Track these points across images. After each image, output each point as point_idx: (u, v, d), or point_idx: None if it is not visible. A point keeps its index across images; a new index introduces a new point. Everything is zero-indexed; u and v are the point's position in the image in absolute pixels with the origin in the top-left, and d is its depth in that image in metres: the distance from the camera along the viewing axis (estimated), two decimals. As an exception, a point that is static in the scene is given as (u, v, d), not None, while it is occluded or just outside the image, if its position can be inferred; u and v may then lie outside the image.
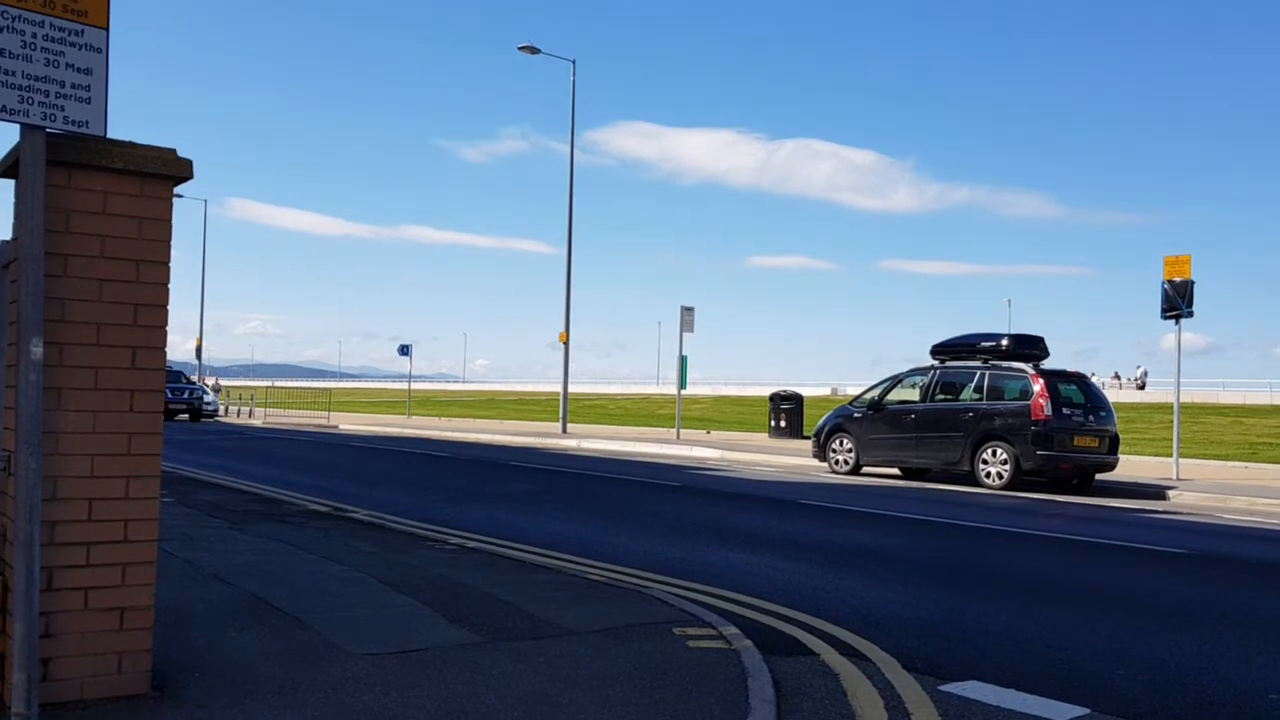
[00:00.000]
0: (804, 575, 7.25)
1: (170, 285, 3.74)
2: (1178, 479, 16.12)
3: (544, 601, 5.66)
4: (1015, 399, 15.44)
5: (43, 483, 3.42)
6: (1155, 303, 16.71)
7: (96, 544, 3.58)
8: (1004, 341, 16.32)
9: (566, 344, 30.08)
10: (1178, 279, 16.45)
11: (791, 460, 19.56)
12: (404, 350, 40.20)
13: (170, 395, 32.82)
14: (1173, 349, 17.37)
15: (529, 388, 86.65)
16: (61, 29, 3.45)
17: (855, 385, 44.92)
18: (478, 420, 39.55)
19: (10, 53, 3.35)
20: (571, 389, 32.42)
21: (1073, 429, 15.03)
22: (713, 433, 30.33)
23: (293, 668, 4.22)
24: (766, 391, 35.97)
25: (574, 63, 29.80)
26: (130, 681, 3.67)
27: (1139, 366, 63.04)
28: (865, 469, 17.26)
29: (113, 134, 3.57)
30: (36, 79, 3.39)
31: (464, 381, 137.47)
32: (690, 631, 5.09)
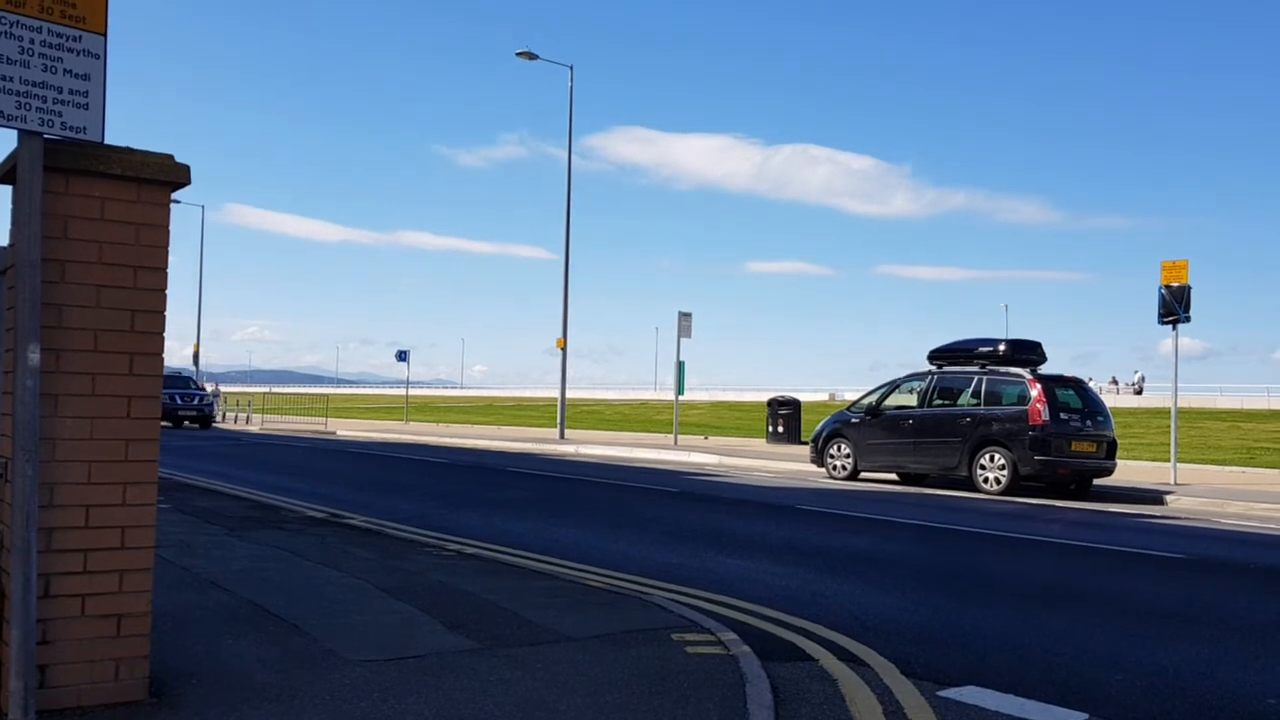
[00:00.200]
0: (802, 581, 7.24)
1: (168, 291, 3.74)
2: (1175, 484, 16.13)
3: (542, 608, 5.65)
4: (1013, 404, 15.45)
5: (40, 489, 3.42)
6: (1153, 308, 16.74)
7: (94, 551, 3.57)
8: (1001, 347, 16.34)
9: (564, 349, 30.08)
10: (1175, 284, 16.47)
11: (789, 465, 19.56)
12: (402, 356, 40.19)
13: (179, 401, 32.01)
14: (1170, 354, 17.42)
15: (527, 393, 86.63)
16: (59, 35, 3.45)
17: (853, 390, 44.98)
18: (475, 426, 39.54)
19: (8, 58, 3.35)
20: (569, 394, 32.41)
21: (1070, 434, 15.04)
22: (710, 438, 30.33)
23: (290, 674, 4.21)
24: (764, 397, 35.99)
25: (572, 68, 29.86)
26: (127, 688, 3.66)
27: (1136, 371, 63.20)
28: (863, 474, 17.27)
29: (110, 140, 3.58)
30: (34, 85, 3.39)
31: (462, 387, 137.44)
32: (689, 637, 5.09)
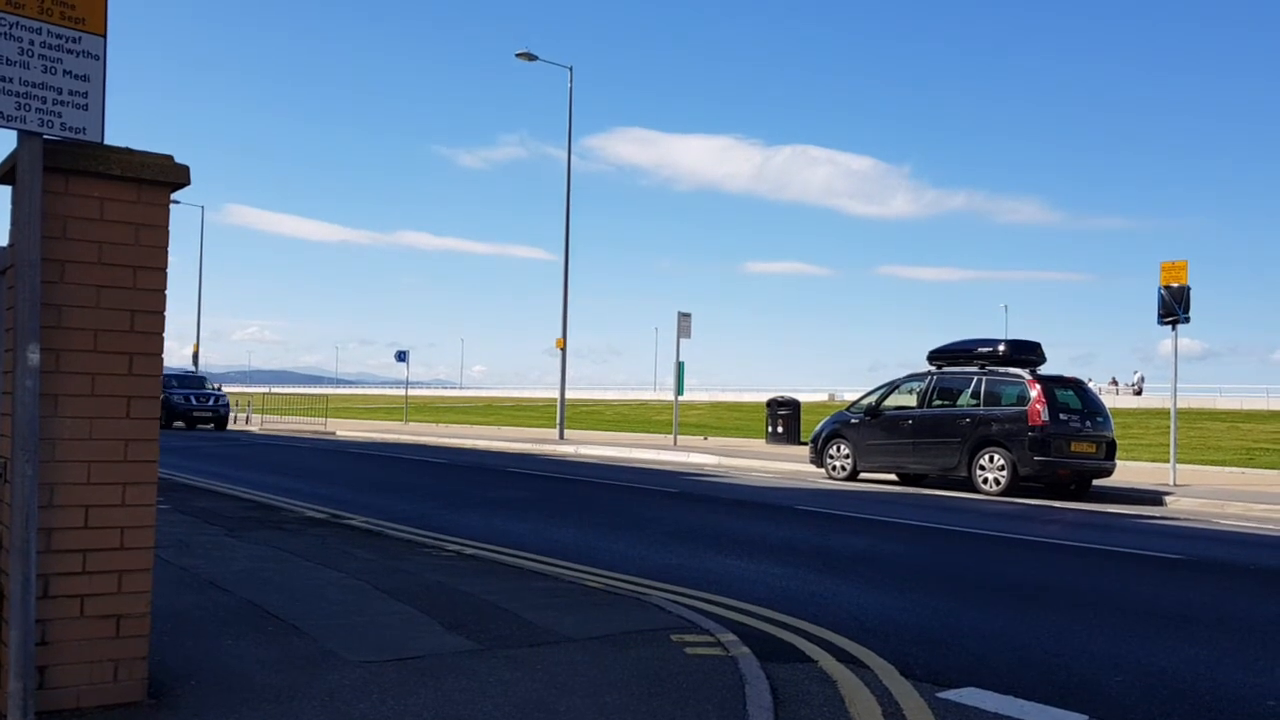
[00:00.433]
0: (801, 581, 7.24)
1: (167, 291, 3.74)
2: (1175, 484, 16.13)
3: (541, 608, 5.65)
4: (1012, 404, 15.46)
5: (39, 489, 3.42)
6: (1152, 308, 16.76)
7: (93, 551, 3.57)
8: (1001, 347, 16.34)
9: (564, 350, 30.08)
10: (1174, 284, 16.48)
11: (788, 466, 19.56)
12: (401, 356, 40.19)
13: (194, 402, 31.01)
14: (1169, 355, 17.44)
15: (526, 394, 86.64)
16: (59, 36, 3.45)
17: (852, 391, 44.99)
18: (475, 426, 39.54)
19: (7, 59, 3.35)
20: (569, 395, 32.40)
21: (1070, 434, 15.05)
22: (710, 439, 30.33)
23: (289, 675, 4.21)
24: (763, 397, 36.00)
25: (571, 69, 29.85)
26: (126, 689, 3.65)
27: (1136, 372, 63.22)
28: (862, 475, 17.27)
29: (110, 141, 3.58)
30: (34, 85, 3.39)
31: (461, 387, 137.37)
32: (688, 638, 5.09)
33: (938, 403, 16.48)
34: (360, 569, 6.74)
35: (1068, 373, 17.10)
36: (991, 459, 15.24)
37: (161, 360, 3.76)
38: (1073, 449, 15.04)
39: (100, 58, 3.54)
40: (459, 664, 4.49)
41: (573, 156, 30.47)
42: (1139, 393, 56.26)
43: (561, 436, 28.47)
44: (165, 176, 3.68)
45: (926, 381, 16.74)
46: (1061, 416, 15.08)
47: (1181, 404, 21.60)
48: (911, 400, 16.92)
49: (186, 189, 3.76)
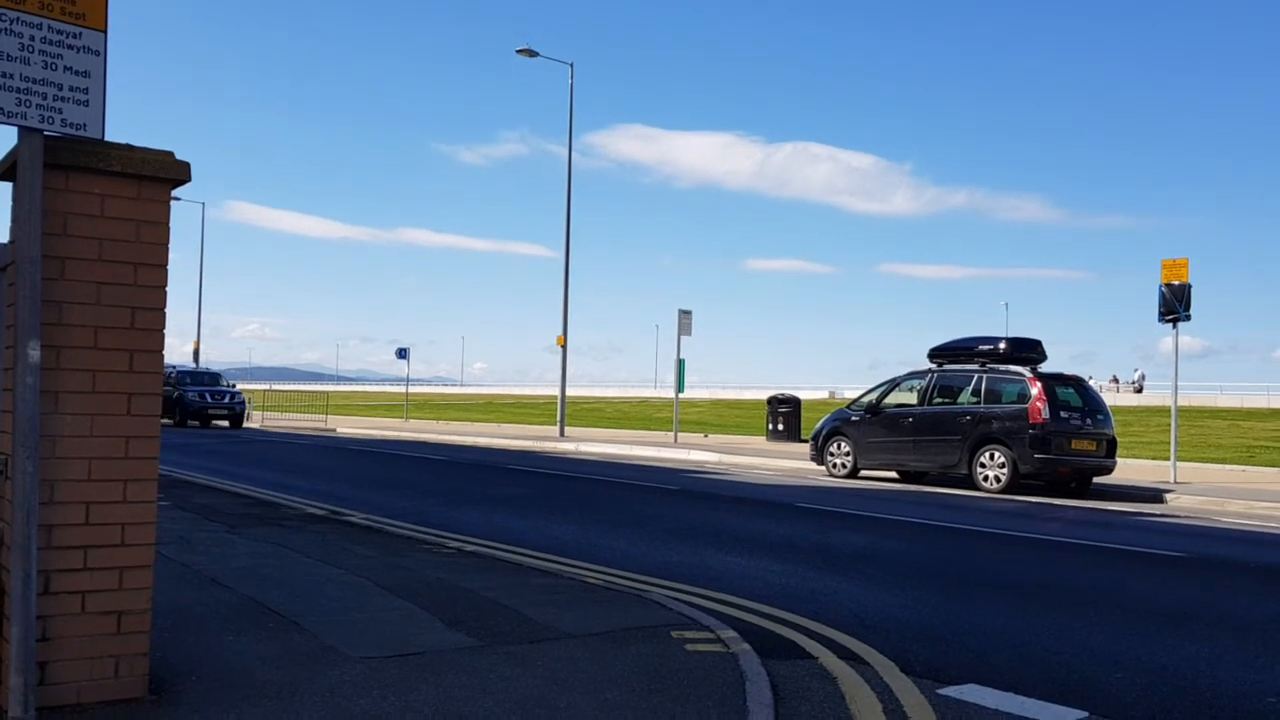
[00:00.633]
0: (802, 578, 7.24)
1: (168, 288, 3.74)
2: (1175, 482, 16.13)
3: (542, 605, 5.65)
4: (1013, 402, 15.45)
5: (40, 486, 3.42)
6: (1153, 306, 16.74)
7: (94, 548, 3.57)
8: (1002, 345, 16.34)
9: (564, 347, 30.08)
10: (1175, 282, 16.47)
11: (789, 463, 19.56)
12: (401, 353, 40.17)
13: (210, 399, 30.54)
14: (1170, 352, 17.43)
15: (527, 391, 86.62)
16: (59, 32, 3.45)
17: (853, 388, 44.94)
18: (475, 423, 39.54)
19: (8, 55, 3.35)
20: (569, 392, 32.41)
21: (1070, 432, 15.04)
22: (710, 436, 30.33)
23: (290, 671, 4.21)
24: (764, 395, 35.98)
25: (572, 66, 29.84)
26: (127, 685, 3.66)
27: (1137, 370, 63.12)
28: (863, 472, 17.27)
29: (110, 137, 3.58)
30: (34, 81, 3.39)
31: (462, 385, 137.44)
32: (688, 635, 5.09)
33: (938, 400, 16.48)
34: (360, 565, 6.75)
35: (1068, 370, 17.10)
36: (992, 456, 15.24)
37: (162, 357, 3.76)
38: (1073, 447, 15.03)
39: (101, 54, 3.54)
40: (460, 660, 4.49)
41: (574, 153, 30.49)
42: (1139, 390, 56.23)
43: (562, 434, 28.47)
44: (166, 173, 3.67)
45: (927, 379, 16.73)
46: (1062, 414, 15.08)
47: (1182, 402, 21.59)
48: (912, 398, 16.92)
49: (187, 185, 3.76)
